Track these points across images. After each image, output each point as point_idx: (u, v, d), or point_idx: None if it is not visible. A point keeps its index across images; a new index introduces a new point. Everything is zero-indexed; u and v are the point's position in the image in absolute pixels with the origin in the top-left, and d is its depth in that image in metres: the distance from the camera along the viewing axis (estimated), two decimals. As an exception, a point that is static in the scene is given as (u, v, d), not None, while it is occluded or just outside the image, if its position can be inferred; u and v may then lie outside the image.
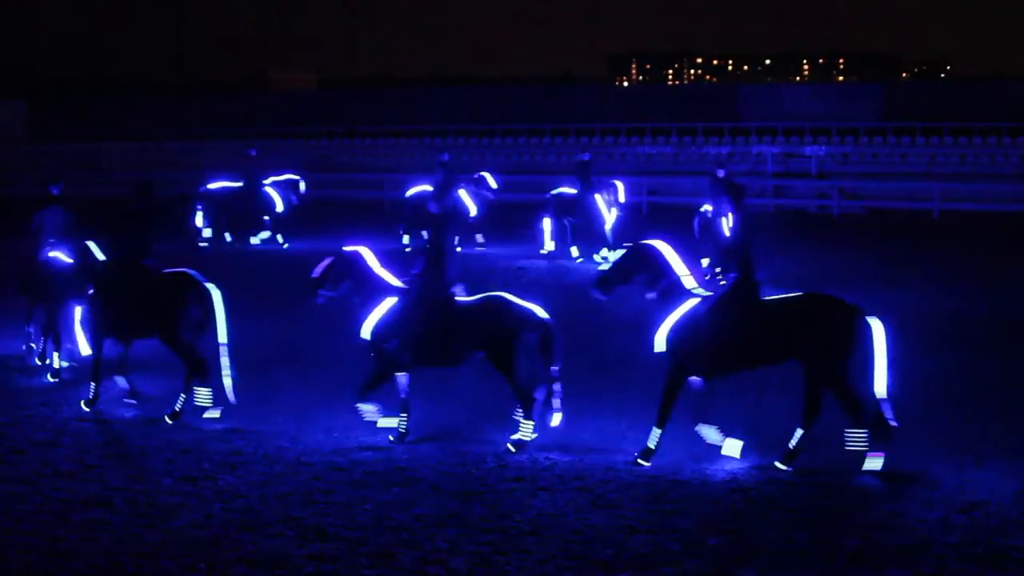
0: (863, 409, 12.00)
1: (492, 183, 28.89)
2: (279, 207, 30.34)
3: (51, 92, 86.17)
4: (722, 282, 12.33)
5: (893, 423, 11.98)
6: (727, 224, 20.63)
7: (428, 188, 28.55)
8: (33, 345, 16.95)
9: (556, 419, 12.81)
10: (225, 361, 14.02)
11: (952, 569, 9.56)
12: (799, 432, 12.08)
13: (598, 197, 26.74)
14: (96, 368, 14.58)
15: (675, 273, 12.45)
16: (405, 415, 13.17)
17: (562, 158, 44.34)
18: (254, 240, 30.85)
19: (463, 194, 28.43)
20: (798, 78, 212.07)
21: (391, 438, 13.05)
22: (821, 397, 12.10)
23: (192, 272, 14.39)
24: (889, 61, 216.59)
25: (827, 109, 46.14)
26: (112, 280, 14.54)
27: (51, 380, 15.97)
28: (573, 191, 27.26)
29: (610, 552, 9.88)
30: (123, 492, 11.48)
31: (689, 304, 12.32)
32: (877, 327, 12.07)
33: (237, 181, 30.64)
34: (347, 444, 12.96)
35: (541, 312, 12.90)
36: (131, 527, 10.56)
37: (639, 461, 12.17)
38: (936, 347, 17.58)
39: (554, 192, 27.89)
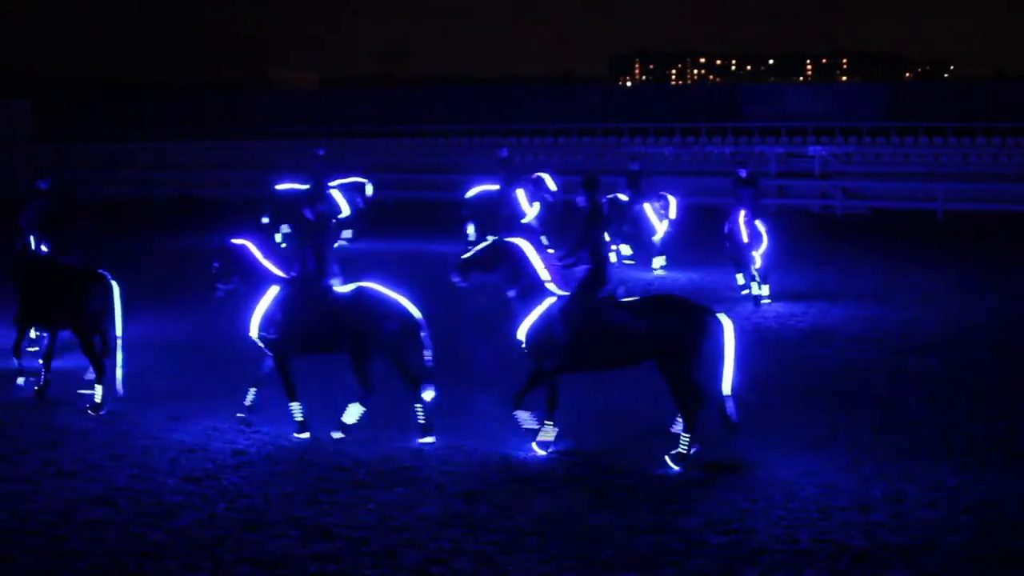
0: (697, 414, 12.18)
1: (551, 184, 27.92)
2: (344, 211, 29.57)
3: (55, 92, 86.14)
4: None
5: (734, 420, 12.19)
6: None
7: (491, 187, 27.86)
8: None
9: (429, 394, 13.10)
10: (120, 356, 14.61)
11: (956, 569, 9.55)
12: (684, 437, 12.22)
13: (647, 206, 25.94)
14: (16, 350, 15.57)
15: (535, 272, 12.63)
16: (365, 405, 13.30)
17: (566, 158, 44.30)
18: None
19: (520, 194, 27.46)
20: (801, 78, 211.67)
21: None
22: (558, 393, 12.60)
23: (102, 270, 15.09)
24: (892, 61, 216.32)
25: (830, 109, 46.10)
26: (28, 273, 15.47)
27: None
28: (625, 198, 26.40)
29: (613, 552, 9.88)
30: (126, 491, 11.49)
31: (547, 304, 12.51)
32: (728, 326, 12.20)
33: (305, 182, 29.67)
34: (351, 444, 12.95)
35: (407, 304, 13.18)
36: (135, 526, 10.56)
37: (535, 447, 12.56)
38: (938, 347, 17.57)
39: (607, 198, 27.27)
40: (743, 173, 22.38)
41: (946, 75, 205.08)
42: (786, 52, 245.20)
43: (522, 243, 12.84)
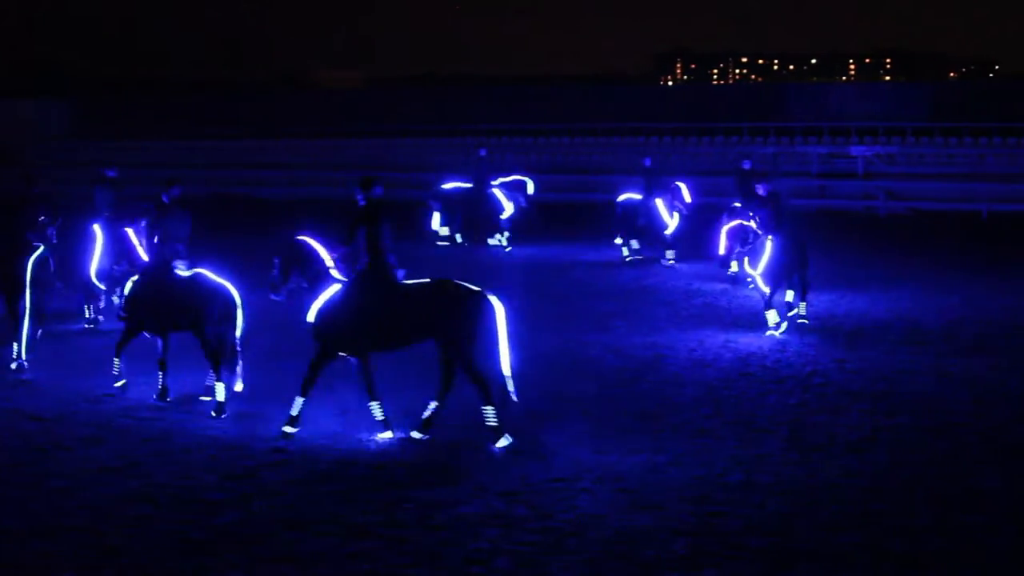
0: (489, 388, 12.85)
1: (687, 195, 26.86)
2: (507, 210, 29.32)
3: (94, 91, 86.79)
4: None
5: (514, 398, 12.86)
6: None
7: (635, 196, 27.19)
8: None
9: (239, 385, 14.30)
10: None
11: (999, 574, 9.47)
12: (432, 404, 13.14)
13: (659, 202, 26.26)
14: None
15: (322, 262, 13.45)
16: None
17: (607, 158, 44.29)
18: (491, 242, 29.80)
19: (659, 203, 26.60)
20: (844, 78, 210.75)
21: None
22: (454, 375, 13.12)
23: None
24: (937, 61, 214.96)
25: (874, 109, 45.92)
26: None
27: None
28: (638, 196, 26.63)
29: (652, 554, 9.84)
30: (167, 488, 11.54)
31: (333, 289, 13.34)
32: (499, 309, 12.88)
33: (468, 182, 29.72)
34: (390, 442, 12.98)
35: (229, 288, 14.43)
36: (175, 523, 10.61)
37: (285, 429, 13.21)
38: (981, 350, 17.43)
39: (620, 199, 27.32)
40: (747, 166, 23.38)
41: (991, 75, 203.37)
42: (829, 52, 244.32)
43: (308, 238, 13.66)
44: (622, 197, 27.42)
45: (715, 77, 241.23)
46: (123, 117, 58.61)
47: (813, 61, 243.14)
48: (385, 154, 48.48)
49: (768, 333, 18.37)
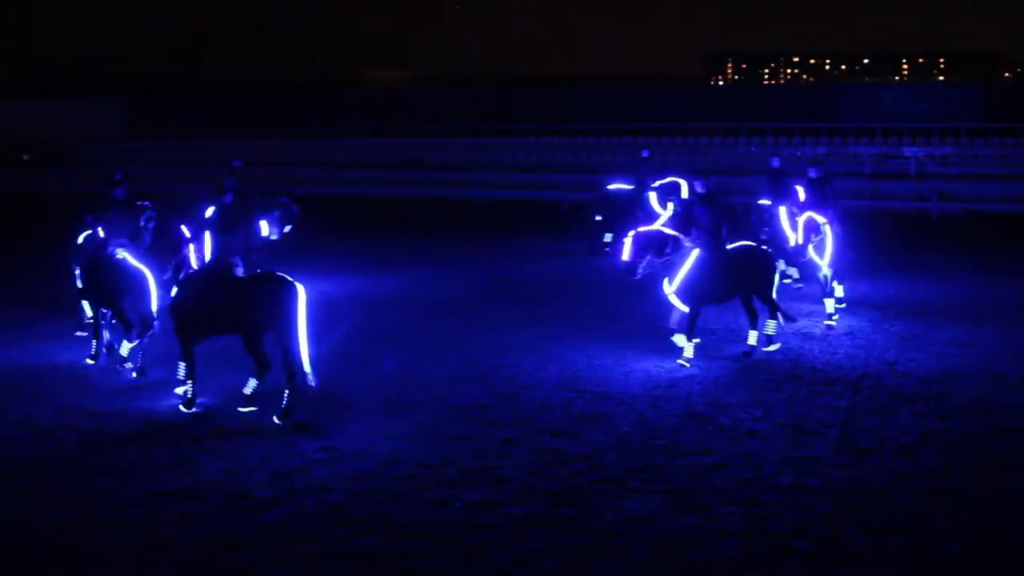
0: (290, 372, 13.76)
1: (685, 191, 25.20)
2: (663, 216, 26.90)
3: (150, 90, 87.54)
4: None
5: (314, 385, 13.66)
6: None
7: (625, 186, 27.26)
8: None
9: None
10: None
11: (1051, 580, 9.38)
12: (252, 381, 14.13)
13: (782, 210, 23.25)
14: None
15: (186, 252, 14.69)
16: None
17: (655, 158, 44.18)
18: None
19: (783, 211, 23.89)
20: (897, 78, 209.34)
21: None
22: (262, 354, 14.03)
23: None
24: (991, 60, 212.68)
25: (927, 109, 45.59)
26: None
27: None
28: (628, 187, 26.43)
29: (700, 555, 9.82)
30: (217, 485, 11.63)
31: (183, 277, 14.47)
32: (302, 296, 13.69)
33: (631, 183, 28.25)
34: (439, 442, 13.01)
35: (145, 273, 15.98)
36: (224, 520, 10.69)
37: (181, 407, 14.28)
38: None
39: (608, 188, 27.11)
40: (776, 163, 22.42)
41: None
42: (881, 51, 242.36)
43: (184, 228, 15.11)
44: (612, 186, 27.32)
45: (766, 77, 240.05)
46: (177, 115, 59.09)
47: (865, 61, 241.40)
48: (426, 154, 48.64)
49: (679, 362, 16.44)
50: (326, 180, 43.14)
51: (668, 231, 16.75)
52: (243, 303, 13.87)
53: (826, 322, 19.08)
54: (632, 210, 27.25)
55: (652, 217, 24.58)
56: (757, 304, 17.12)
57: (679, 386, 15.33)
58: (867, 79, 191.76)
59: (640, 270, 16.40)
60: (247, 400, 14.17)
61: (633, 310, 19.37)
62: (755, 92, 76.73)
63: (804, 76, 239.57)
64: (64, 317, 19.47)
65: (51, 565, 9.73)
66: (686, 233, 16.60)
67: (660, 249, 16.44)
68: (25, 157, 56.91)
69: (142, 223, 16.94)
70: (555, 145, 47.14)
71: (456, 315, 20.23)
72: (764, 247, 18.16)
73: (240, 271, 14.46)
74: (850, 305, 20.20)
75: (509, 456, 12.48)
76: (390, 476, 11.87)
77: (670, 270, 16.49)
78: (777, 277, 17.30)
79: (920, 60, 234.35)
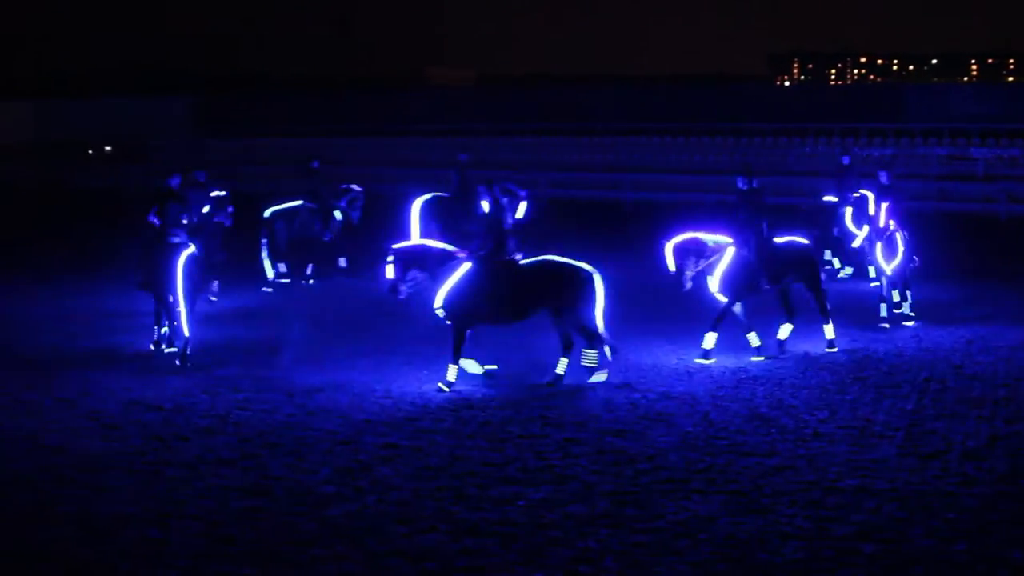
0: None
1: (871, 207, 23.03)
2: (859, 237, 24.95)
3: (214, 88, 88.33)
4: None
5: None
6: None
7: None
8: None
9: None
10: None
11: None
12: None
13: (848, 211, 23.33)
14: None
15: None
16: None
17: (722, 157, 43.99)
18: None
19: (848, 213, 23.52)
20: (965, 78, 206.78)
21: None
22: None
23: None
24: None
25: (995, 110, 44.94)
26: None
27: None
28: (833, 199, 23.89)
29: (764, 557, 9.76)
30: (281, 481, 11.70)
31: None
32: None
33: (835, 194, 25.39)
34: (502, 441, 13.02)
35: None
36: (288, 515, 10.76)
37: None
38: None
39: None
40: (846, 160, 22.18)
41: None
42: (950, 52, 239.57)
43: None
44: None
45: (832, 77, 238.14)
46: (242, 114, 59.52)
47: (934, 61, 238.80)
48: (492, 152, 48.62)
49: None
50: (395, 178, 43.47)
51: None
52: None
53: (882, 324, 18.96)
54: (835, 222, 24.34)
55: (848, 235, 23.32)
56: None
57: (743, 387, 15.26)
58: (935, 79, 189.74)
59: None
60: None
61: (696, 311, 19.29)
62: (821, 92, 76.06)
63: (871, 76, 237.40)
64: (134, 310, 19.71)
65: (115, 559, 9.83)
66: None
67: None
68: (90, 152, 57.65)
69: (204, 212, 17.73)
70: (620, 144, 47.02)
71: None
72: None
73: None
74: (916, 308, 20.00)
75: (572, 455, 12.47)
76: (453, 474, 11.89)
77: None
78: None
79: (989, 60, 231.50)
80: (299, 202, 24.58)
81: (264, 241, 24.08)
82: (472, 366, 15.70)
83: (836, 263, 24.10)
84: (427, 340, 16.83)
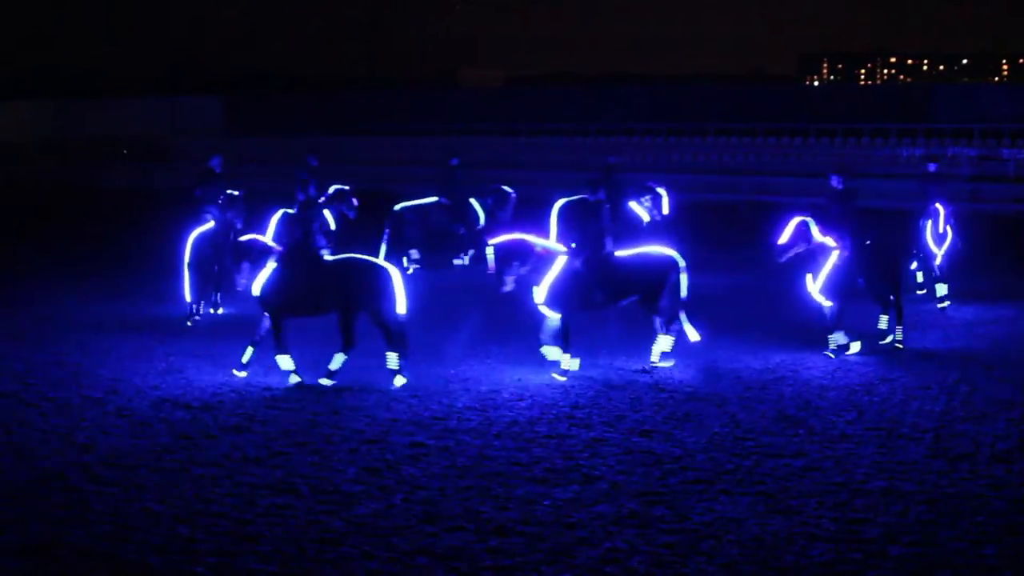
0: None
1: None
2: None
3: (247, 88, 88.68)
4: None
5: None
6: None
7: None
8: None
9: None
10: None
11: None
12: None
13: (929, 224, 21.51)
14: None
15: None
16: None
17: (750, 158, 43.90)
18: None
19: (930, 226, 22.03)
20: (996, 79, 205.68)
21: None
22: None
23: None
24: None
25: (1026, 111, 44.73)
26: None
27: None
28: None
29: (790, 559, 9.73)
30: (308, 479, 11.73)
31: None
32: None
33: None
34: (529, 441, 13.02)
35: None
36: (315, 514, 10.78)
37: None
38: None
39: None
40: (932, 168, 21.86)
41: None
42: (981, 52, 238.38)
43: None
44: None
45: (862, 77, 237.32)
46: (273, 114, 59.73)
47: (964, 61, 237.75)
48: (521, 152, 48.65)
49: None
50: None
51: (536, 242, 16.27)
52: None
53: (940, 305, 19.73)
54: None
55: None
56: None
57: (770, 388, 15.23)
58: (966, 80, 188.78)
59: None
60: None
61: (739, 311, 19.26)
62: (850, 92, 75.79)
63: (901, 76, 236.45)
64: (164, 309, 19.82)
65: (143, 556, 9.88)
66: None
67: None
68: (124, 151, 57.99)
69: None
70: (647, 145, 46.99)
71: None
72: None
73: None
74: (946, 308, 19.91)
75: (599, 455, 12.47)
76: (480, 473, 11.90)
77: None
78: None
79: (1020, 61, 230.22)
80: (434, 199, 25.82)
81: (387, 232, 25.29)
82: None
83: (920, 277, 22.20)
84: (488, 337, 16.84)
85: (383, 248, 25.00)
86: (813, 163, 42.70)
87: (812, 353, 17.07)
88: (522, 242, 15.85)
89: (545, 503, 11.04)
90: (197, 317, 19.82)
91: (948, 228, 20.71)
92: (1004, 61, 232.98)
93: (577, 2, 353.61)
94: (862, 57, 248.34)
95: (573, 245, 16.44)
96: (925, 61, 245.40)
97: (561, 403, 14.50)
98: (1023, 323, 19.45)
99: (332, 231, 23.83)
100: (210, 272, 19.96)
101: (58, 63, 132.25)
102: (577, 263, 15.94)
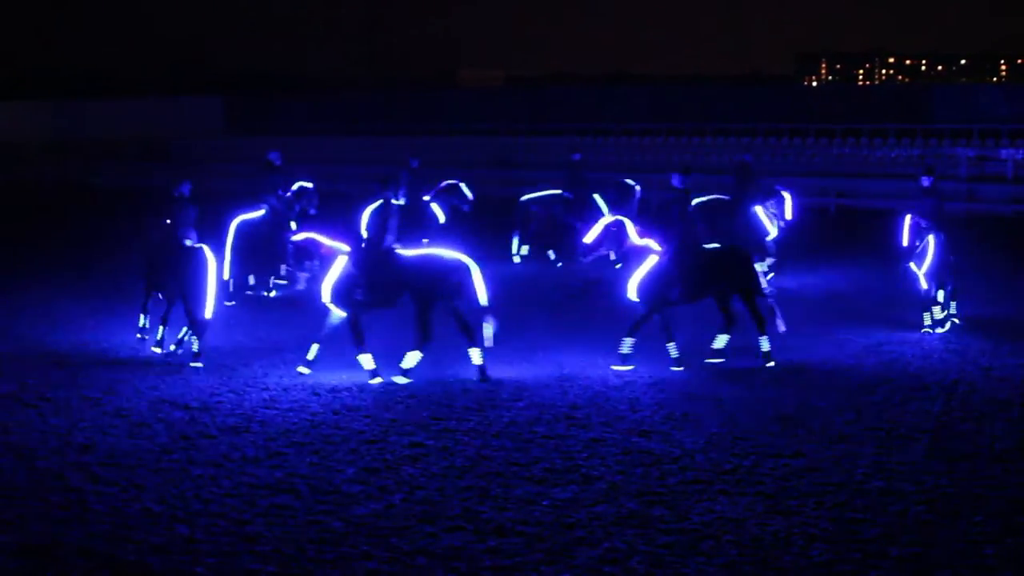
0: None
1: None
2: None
3: (247, 88, 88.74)
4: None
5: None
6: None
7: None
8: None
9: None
10: None
11: None
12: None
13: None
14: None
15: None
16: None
17: (747, 158, 43.84)
18: None
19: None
20: (995, 79, 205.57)
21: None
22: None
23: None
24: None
25: (1025, 110, 44.71)
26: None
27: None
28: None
29: (789, 559, 9.74)
30: (307, 480, 11.73)
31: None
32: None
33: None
34: (528, 441, 13.02)
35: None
36: (314, 514, 10.78)
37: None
38: None
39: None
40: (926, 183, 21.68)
41: None
42: (979, 52, 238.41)
43: None
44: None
45: (860, 77, 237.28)
46: (274, 114, 59.72)
47: (963, 61, 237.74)
48: (520, 152, 48.64)
49: (924, 330, 18.47)
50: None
51: (324, 241, 16.31)
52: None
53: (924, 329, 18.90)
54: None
55: None
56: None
57: (769, 388, 15.23)
58: (964, 80, 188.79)
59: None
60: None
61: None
62: (849, 93, 75.76)
63: (900, 77, 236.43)
64: (158, 310, 19.81)
65: (142, 556, 9.88)
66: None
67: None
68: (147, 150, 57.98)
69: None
70: (646, 145, 46.98)
71: (538, 318, 20.26)
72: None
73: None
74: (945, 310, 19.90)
75: (597, 456, 12.47)
76: (479, 474, 11.91)
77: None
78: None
79: (1019, 61, 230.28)
80: (558, 191, 26.52)
81: (520, 221, 26.50)
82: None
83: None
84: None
85: (515, 241, 26.28)
86: (811, 163, 42.70)
87: (810, 353, 17.07)
88: (312, 240, 16.02)
89: (544, 503, 11.04)
90: (232, 303, 20.81)
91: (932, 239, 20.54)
92: (1002, 61, 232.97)
93: (576, 2, 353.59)
94: (860, 57, 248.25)
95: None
96: (923, 61, 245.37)
97: (559, 403, 14.50)
98: (1021, 323, 19.45)
99: (443, 224, 25.28)
100: (252, 256, 21.35)
101: (58, 63, 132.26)
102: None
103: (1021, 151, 40.70)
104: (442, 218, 25.45)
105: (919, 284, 18.49)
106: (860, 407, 14.30)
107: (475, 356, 15.63)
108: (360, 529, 10.42)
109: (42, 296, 22.72)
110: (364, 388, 15.22)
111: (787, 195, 23.06)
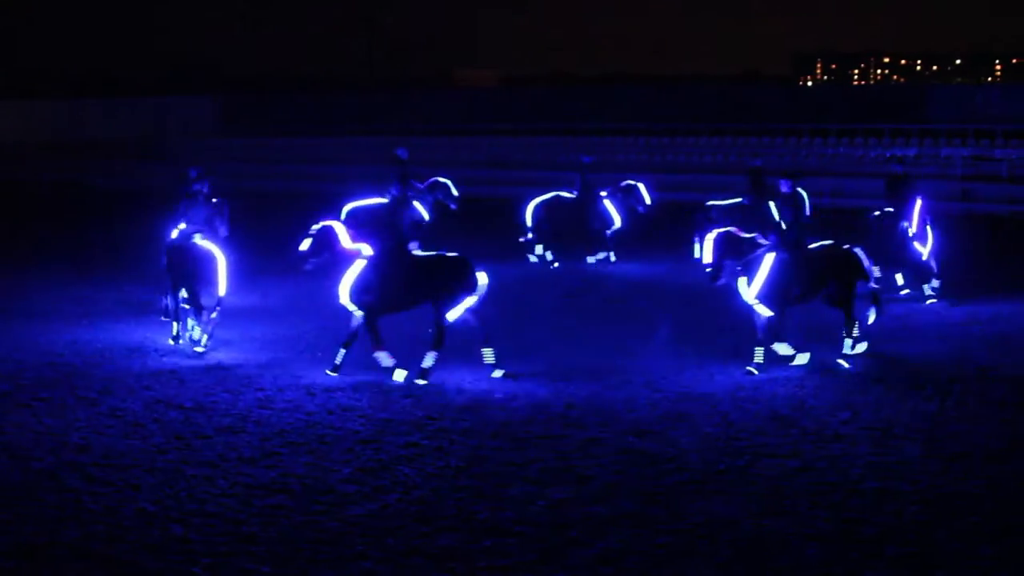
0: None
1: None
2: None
3: (241, 88, 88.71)
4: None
5: None
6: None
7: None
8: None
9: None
10: None
11: None
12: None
13: (607, 202, 26.05)
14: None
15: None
16: None
17: (743, 158, 43.85)
18: None
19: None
20: (990, 79, 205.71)
21: None
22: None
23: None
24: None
25: (1020, 111, 44.73)
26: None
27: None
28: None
29: (785, 560, 9.73)
30: (303, 480, 11.72)
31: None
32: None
33: None
34: (524, 441, 13.01)
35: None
36: (310, 514, 10.77)
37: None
38: None
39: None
40: (899, 170, 22.07)
41: None
42: (974, 52, 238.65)
43: None
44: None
45: (856, 77, 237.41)
46: (269, 115, 59.72)
47: (958, 61, 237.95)
48: (516, 152, 48.64)
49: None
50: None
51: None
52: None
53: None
54: None
55: None
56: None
57: (763, 388, 15.22)
58: (959, 80, 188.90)
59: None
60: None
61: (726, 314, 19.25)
62: (844, 93, 75.81)
63: (895, 76, 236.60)
64: (154, 308, 19.83)
65: (137, 556, 9.87)
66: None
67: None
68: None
69: (215, 213, 18.05)
70: (641, 145, 46.98)
71: (535, 317, 20.25)
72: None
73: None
74: (940, 308, 19.93)
75: (593, 456, 12.46)
76: (474, 474, 11.90)
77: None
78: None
79: (1014, 61, 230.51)
80: (738, 199, 25.97)
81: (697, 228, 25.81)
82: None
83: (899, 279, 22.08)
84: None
85: (538, 247, 26.17)
86: (807, 163, 42.70)
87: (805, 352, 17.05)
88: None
89: (539, 503, 11.03)
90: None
91: (927, 227, 20.89)
92: (997, 61, 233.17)
93: (574, 2, 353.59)
94: (856, 57, 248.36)
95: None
96: (919, 61, 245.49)
97: (555, 403, 14.49)
98: (1016, 322, 19.45)
99: (427, 223, 25.19)
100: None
101: (58, 63, 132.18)
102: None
103: (1016, 151, 40.72)
104: (426, 216, 25.38)
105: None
106: (855, 406, 14.29)
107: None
108: (355, 529, 10.41)
109: (37, 296, 22.67)
110: (359, 388, 15.20)
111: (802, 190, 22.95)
